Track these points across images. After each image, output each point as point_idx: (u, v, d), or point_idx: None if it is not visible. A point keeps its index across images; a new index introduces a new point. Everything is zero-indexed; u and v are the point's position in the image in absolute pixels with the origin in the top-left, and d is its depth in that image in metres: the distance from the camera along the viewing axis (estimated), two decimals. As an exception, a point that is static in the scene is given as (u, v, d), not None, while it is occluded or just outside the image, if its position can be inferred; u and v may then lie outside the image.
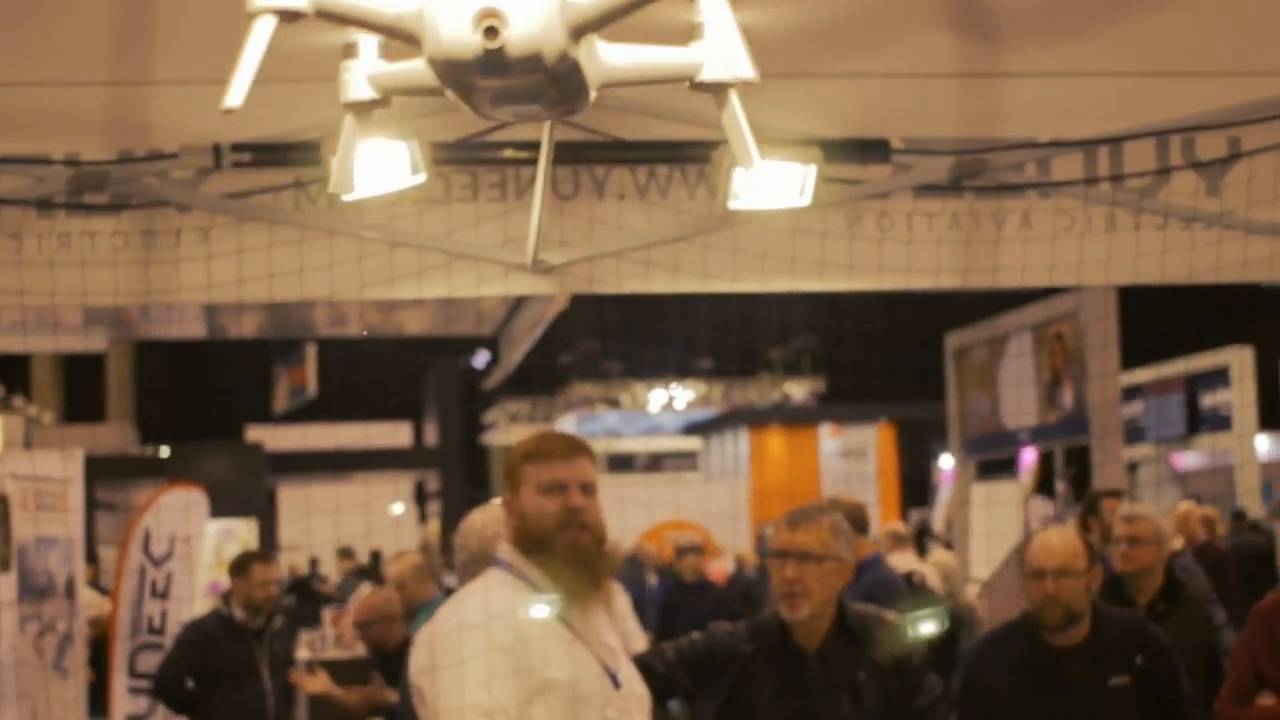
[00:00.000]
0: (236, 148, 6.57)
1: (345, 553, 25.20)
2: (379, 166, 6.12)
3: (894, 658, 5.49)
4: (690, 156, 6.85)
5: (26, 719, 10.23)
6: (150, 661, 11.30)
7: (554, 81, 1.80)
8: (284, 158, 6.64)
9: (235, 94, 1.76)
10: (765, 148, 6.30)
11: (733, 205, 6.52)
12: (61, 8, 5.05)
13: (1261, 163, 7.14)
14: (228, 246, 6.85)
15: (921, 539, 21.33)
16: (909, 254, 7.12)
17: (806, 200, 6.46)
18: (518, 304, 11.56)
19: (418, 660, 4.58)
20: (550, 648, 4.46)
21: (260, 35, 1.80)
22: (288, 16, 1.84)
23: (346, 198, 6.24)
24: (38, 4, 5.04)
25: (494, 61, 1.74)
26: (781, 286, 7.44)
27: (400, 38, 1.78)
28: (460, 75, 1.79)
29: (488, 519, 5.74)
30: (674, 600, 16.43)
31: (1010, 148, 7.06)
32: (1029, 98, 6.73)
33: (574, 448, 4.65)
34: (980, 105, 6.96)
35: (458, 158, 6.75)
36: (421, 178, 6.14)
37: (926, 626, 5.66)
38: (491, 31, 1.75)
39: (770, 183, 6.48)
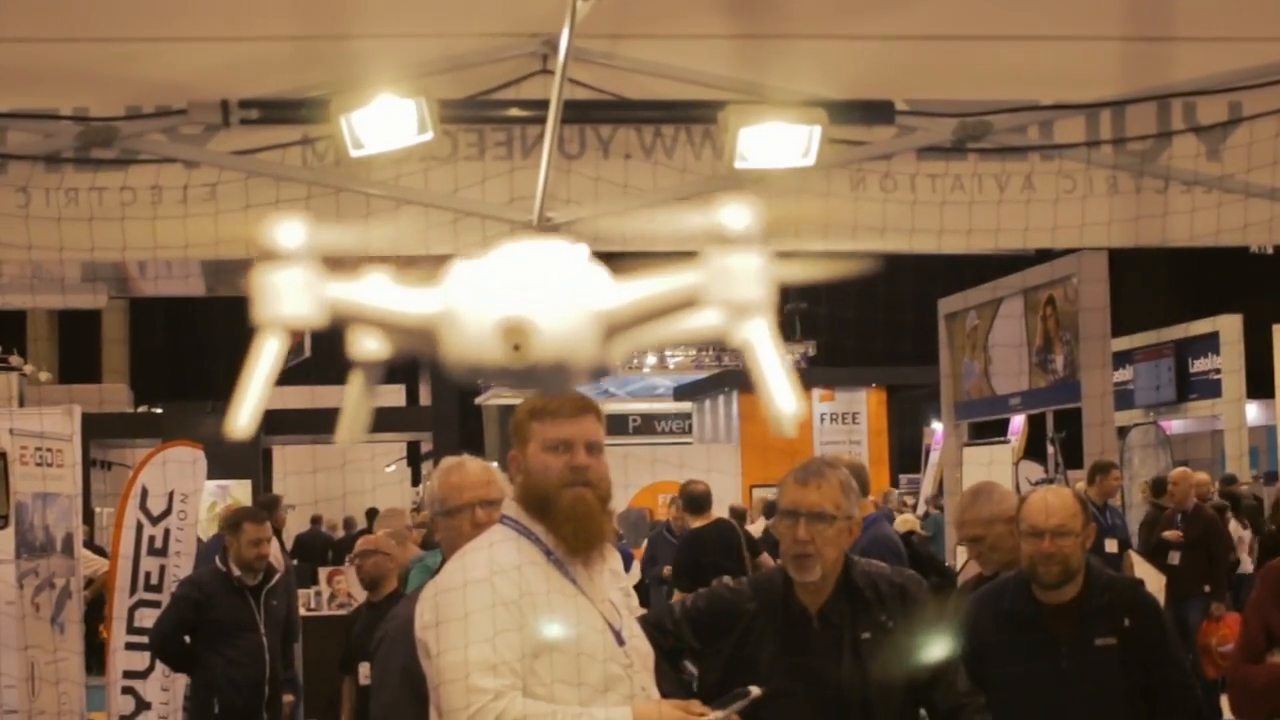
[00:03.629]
0: (244, 104, 6.59)
1: (347, 524, 25.34)
2: (386, 124, 6.14)
3: (901, 617, 5.47)
4: (696, 116, 6.88)
5: (26, 672, 10.25)
6: (148, 618, 11.31)
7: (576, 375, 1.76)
8: (292, 115, 6.66)
9: (244, 415, 1.72)
10: (770, 109, 6.38)
11: (738, 165, 6.53)
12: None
13: (1262, 127, 7.18)
14: (235, 203, 6.86)
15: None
16: (912, 215, 7.15)
17: (811, 161, 6.48)
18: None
19: (423, 615, 4.61)
20: (554, 603, 4.49)
21: (270, 352, 1.74)
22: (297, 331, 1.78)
23: (354, 154, 6.26)
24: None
25: (519, 371, 1.70)
26: (784, 246, 7.47)
27: (422, 337, 1.73)
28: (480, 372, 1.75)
29: (437, 480, 5.78)
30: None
31: (1014, 110, 7.09)
32: (1032, 61, 6.77)
33: (581, 406, 4.65)
34: (984, 68, 6.99)
35: (465, 116, 6.77)
36: (429, 135, 6.15)
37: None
38: (519, 345, 1.73)
39: (775, 144, 6.49)
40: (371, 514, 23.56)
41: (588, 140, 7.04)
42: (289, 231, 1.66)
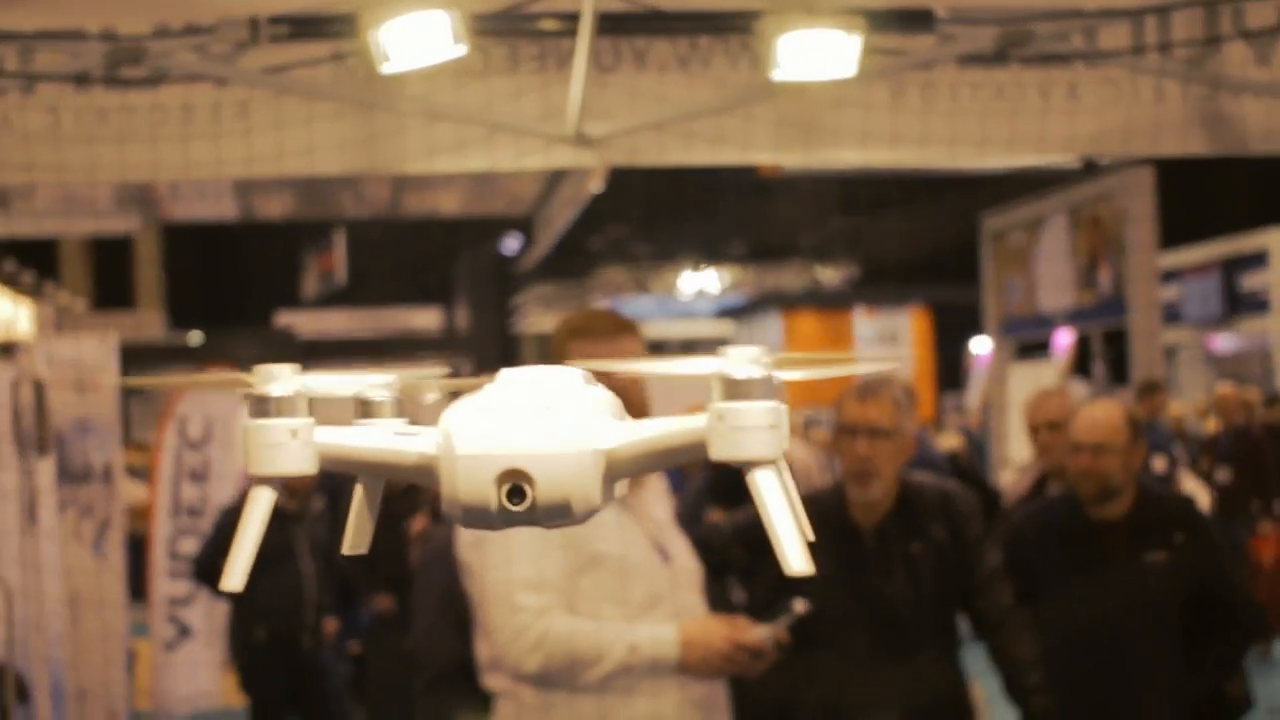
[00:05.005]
0: (274, 20, 6.50)
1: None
2: (417, 38, 6.05)
3: (949, 530, 5.43)
4: (733, 26, 6.76)
5: (69, 599, 10.26)
6: (189, 545, 11.33)
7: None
8: (322, 30, 6.56)
9: (236, 575, 1.61)
10: (810, 17, 6.26)
11: (776, 76, 6.43)
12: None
13: (1313, 31, 7.04)
14: (266, 121, 6.78)
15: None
16: (953, 126, 7.03)
17: (851, 71, 6.37)
18: (552, 185, 11.50)
19: (465, 535, 4.56)
20: (599, 521, 4.43)
21: (260, 507, 1.64)
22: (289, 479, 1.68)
23: (385, 70, 6.17)
24: None
25: (517, 518, 1.60)
26: (825, 159, 7.38)
27: (421, 476, 1.63)
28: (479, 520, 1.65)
29: None
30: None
31: (1057, 17, 6.95)
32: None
33: (621, 326, 4.62)
34: (1027, -27, 6.87)
35: (497, 29, 6.66)
36: (462, 49, 6.06)
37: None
38: (517, 495, 1.61)
39: (814, 53, 6.39)
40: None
41: (622, 53, 6.92)
42: (280, 379, 1.53)
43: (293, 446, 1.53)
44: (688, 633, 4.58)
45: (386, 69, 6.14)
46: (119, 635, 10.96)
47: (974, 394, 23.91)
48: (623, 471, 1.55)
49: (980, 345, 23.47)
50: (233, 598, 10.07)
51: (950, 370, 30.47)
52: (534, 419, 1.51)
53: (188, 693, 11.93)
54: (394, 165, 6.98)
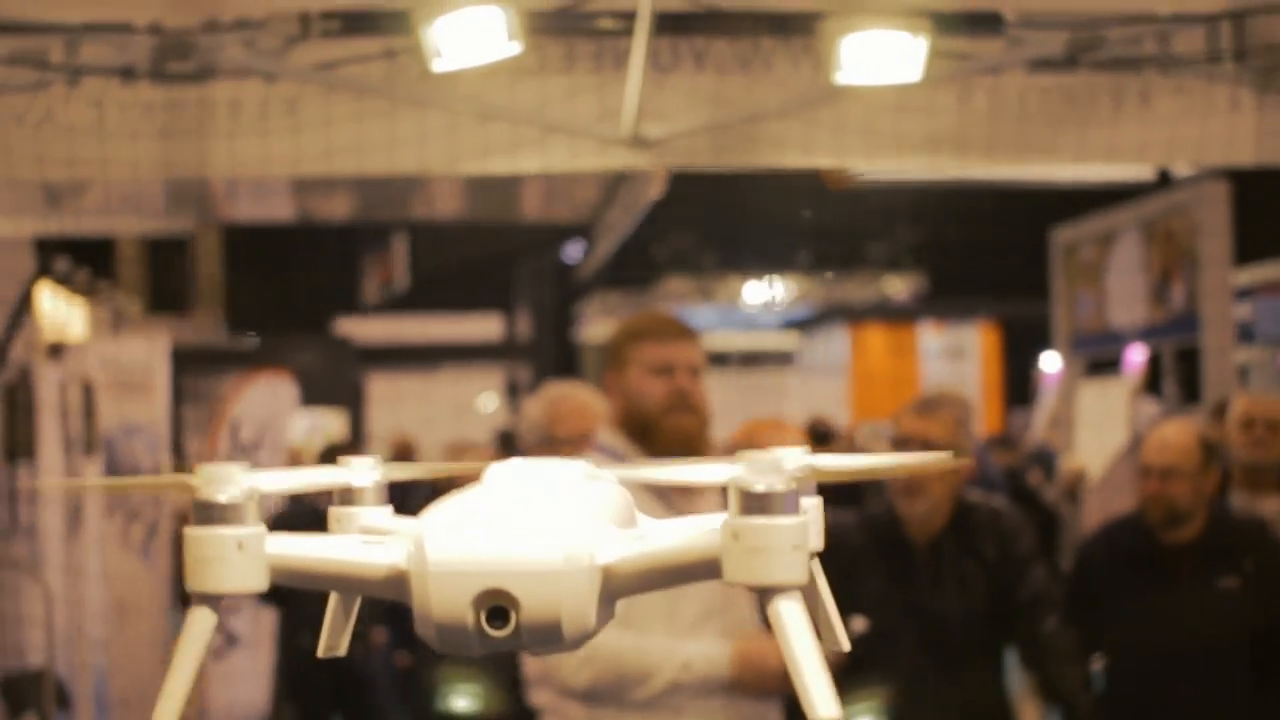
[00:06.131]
0: (325, 16, 6.38)
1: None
2: (471, 35, 5.93)
3: (999, 548, 5.35)
4: (796, 27, 6.60)
5: (112, 600, 10.20)
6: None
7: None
8: (374, 26, 6.44)
9: (167, 711, 1.42)
10: (874, 19, 6.10)
11: (839, 79, 6.27)
12: None
13: (1397, 40, 6.84)
14: (316, 118, 6.65)
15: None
16: (1021, 132, 6.84)
17: (916, 75, 6.21)
18: (613, 190, 11.38)
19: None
20: (647, 534, 4.32)
21: (199, 631, 1.42)
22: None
23: (438, 68, 6.05)
24: None
25: (498, 643, 1.36)
26: (888, 164, 7.21)
27: (391, 590, 1.39)
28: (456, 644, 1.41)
29: (543, 406, 5.64)
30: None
31: (1129, 22, 6.76)
32: (1150, -32, 6.46)
33: (683, 329, 4.59)
34: (1097, -25, 6.69)
35: (552, 27, 6.52)
36: (517, 47, 5.94)
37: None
38: (499, 618, 1.36)
39: (878, 57, 6.24)
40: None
41: (681, 53, 6.76)
42: (222, 481, 1.32)
43: (238, 561, 1.33)
44: (740, 651, 4.50)
45: (439, 67, 6.02)
46: (165, 642, 10.91)
47: (1043, 411, 23.69)
48: (623, 590, 1.35)
49: (1050, 361, 23.27)
50: (281, 606, 10.00)
51: (1019, 386, 30.27)
52: (521, 527, 1.29)
53: (234, 701, 11.86)
54: (446, 165, 6.83)
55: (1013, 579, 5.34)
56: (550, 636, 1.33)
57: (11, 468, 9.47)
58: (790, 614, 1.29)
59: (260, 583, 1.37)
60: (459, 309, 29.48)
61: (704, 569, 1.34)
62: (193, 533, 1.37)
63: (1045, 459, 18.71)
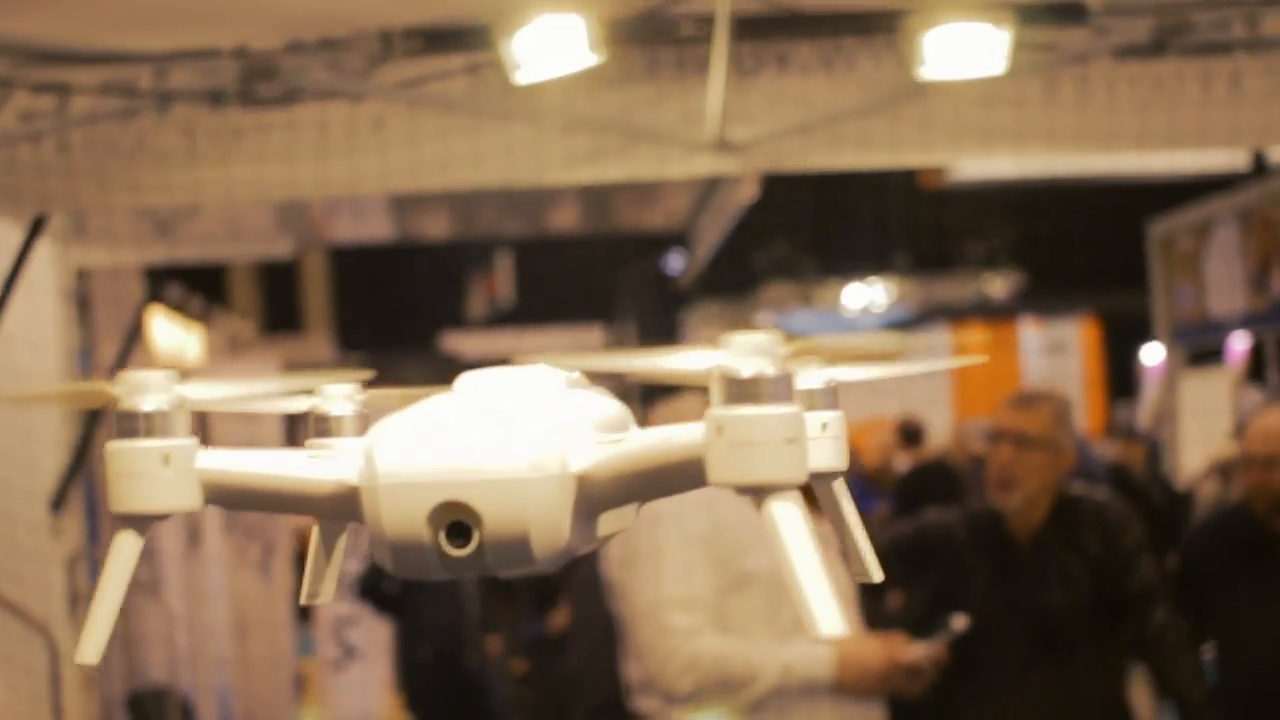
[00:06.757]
0: (407, 34, 6.42)
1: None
2: (552, 46, 5.95)
3: (1103, 541, 5.30)
4: (876, 25, 6.58)
5: (236, 620, 10.30)
6: (354, 564, 11.34)
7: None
8: (456, 42, 6.47)
9: (88, 648, 1.19)
10: (957, 12, 6.08)
11: (923, 75, 6.25)
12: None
13: None
14: (402, 136, 6.69)
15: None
16: (1111, 121, 6.78)
17: (1001, 68, 6.18)
18: (705, 198, 11.40)
19: (613, 553, 4.47)
20: (748, 538, 4.33)
21: (122, 557, 1.17)
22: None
23: (520, 80, 6.07)
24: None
25: (461, 564, 1.16)
26: (976, 158, 7.17)
27: (342, 511, 1.18)
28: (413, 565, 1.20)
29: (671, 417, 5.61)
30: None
31: (1216, 5, 6.69)
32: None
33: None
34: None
35: (633, 35, 6.53)
36: (597, 56, 5.96)
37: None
38: (459, 535, 1.17)
39: (962, 50, 6.21)
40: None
41: (764, 56, 6.75)
42: (146, 389, 1.07)
43: (165, 477, 1.16)
44: (843, 652, 4.49)
45: (521, 79, 6.05)
46: (287, 658, 11.02)
47: (1146, 403, 23.50)
48: (602, 500, 1.16)
49: (1151, 354, 23.09)
50: (398, 618, 10.08)
51: (1121, 380, 30.03)
52: (484, 434, 1.14)
53: (354, 713, 11.95)
54: (532, 177, 6.85)
55: (1119, 571, 5.29)
56: (518, 555, 1.16)
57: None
58: (785, 516, 1.12)
59: (191, 500, 1.21)
60: (562, 321, 29.53)
61: (689, 472, 1.15)
62: (112, 446, 1.19)
63: (1153, 451, 18.58)
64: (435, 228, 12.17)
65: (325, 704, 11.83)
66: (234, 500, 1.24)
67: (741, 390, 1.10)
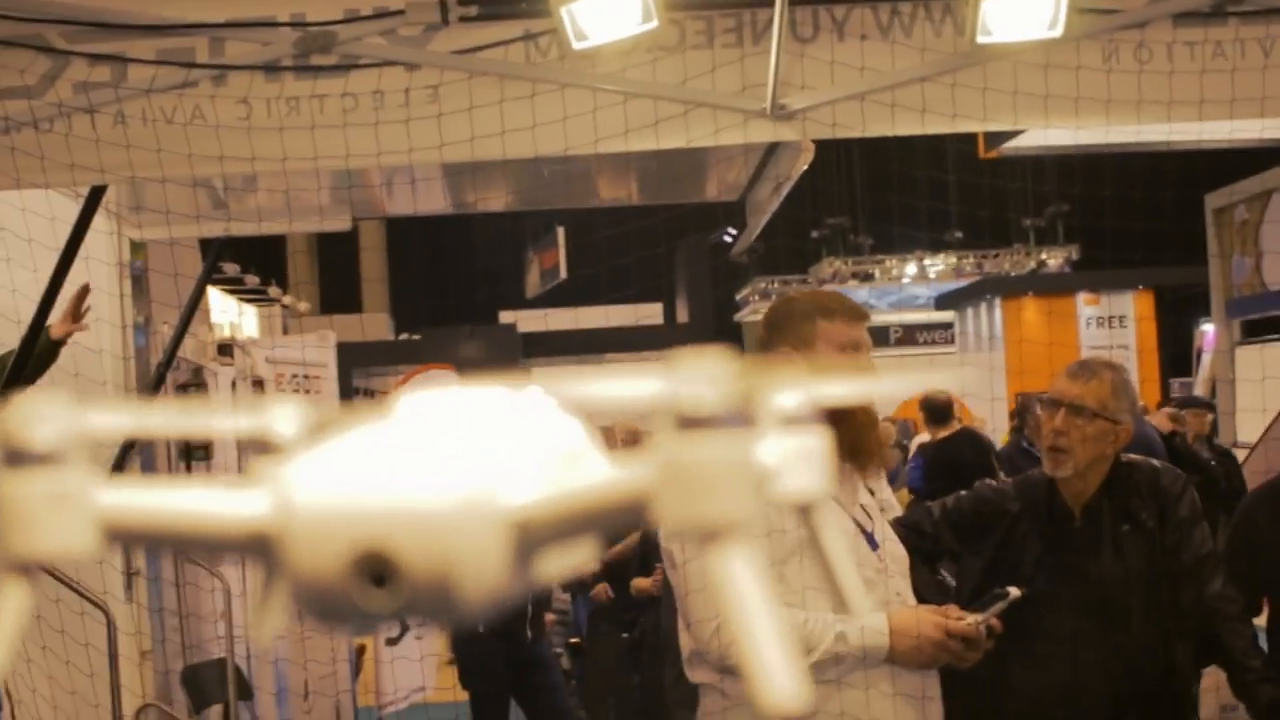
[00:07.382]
0: (463, 2, 6.41)
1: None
2: (610, 13, 5.93)
3: (1158, 511, 5.27)
4: (933, -10, 6.55)
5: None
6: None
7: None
8: (512, 10, 6.46)
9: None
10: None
11: (981, 40, 6.21)
12: None
13: None
14: (458, 104, 6.67)
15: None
16: (1170, 86, 6.72)
17: (1059, 32, 6.13)
18: (761, 166, 11.34)
19: (664, 521, 4.45)
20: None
21: (11, 606, 0.98)
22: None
23: (577, 47, 6.06)
24: None
25: (384, 612, 0.98)
26: (1034, 124, 7.10)
27: (256, 551, 1.02)
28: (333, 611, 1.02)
29: None
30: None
31: (1277, -32, 6.64)
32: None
33: (861, 310, 4.62)
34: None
35: (690, 2, 6.51)
36: (654, 24, 5.93)
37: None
38: (382, 581, 0.98)
39: (1020, 15, 6.17)
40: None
41: (821, 22, 6.71)
42: (44, 417, 0.93)
43: (58, 519, 1.03)
44: (898, 621, 4.45)
45: (578, 46, 6.03)
46: (342, 638, 11.00)
47: (1203, 378, 23.39)
48: (543, 540, 1.01)
49: (1209, 326, 22.98)
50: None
51: (1178, 352, 29.89)
52: (410, 467, 0.98)
53: (409, 687, 11.97)
54: (588, 145, 6.82)
55: (1174, 541, 5.25)
56: (443, 603, 1.01)
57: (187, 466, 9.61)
58: (733, 569, 0.97)
59: (87, 545, 1.06)
60: (619, 296, 29.48)
61: (635, 511, 1.02)
62: (12, 485, 1.06)
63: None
64: (493, 200, 12.15)
65: (380, 676, 11.85)
66: (140, 540, 1.10)
67: (688, 423, 0.98)
